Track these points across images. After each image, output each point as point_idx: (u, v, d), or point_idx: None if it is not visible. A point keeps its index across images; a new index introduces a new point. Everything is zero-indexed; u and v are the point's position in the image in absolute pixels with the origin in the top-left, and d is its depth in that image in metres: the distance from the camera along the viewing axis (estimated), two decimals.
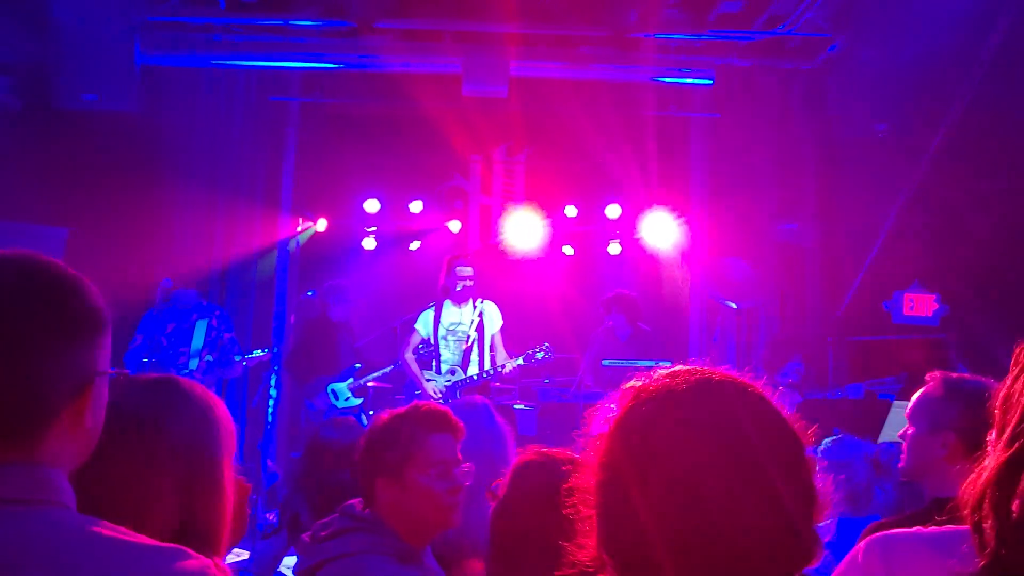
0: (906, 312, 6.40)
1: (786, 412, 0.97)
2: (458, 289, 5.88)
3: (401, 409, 2.11)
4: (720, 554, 0.87)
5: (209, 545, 1.18)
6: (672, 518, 0.88)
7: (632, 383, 0.99)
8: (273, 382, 7.02)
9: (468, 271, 5.93)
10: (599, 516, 0.95)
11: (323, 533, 1.98)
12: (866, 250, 6.56)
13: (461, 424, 2.09)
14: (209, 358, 5.76)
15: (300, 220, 7.67)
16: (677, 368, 0.99)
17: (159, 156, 6.77)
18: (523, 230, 7.55)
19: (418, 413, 2.06)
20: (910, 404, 2.07)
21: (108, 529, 0.94)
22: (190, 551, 0.97)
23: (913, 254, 6.42)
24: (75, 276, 1.03)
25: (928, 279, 6.50)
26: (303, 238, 7.73)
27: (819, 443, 3.33)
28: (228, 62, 6.98)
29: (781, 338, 6.48)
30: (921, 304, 6.42)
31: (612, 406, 0.99)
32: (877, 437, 3.81)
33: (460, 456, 2.06)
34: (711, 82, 7.06)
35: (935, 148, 5.84)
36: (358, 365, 6.53)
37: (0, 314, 0.96)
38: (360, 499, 2.03)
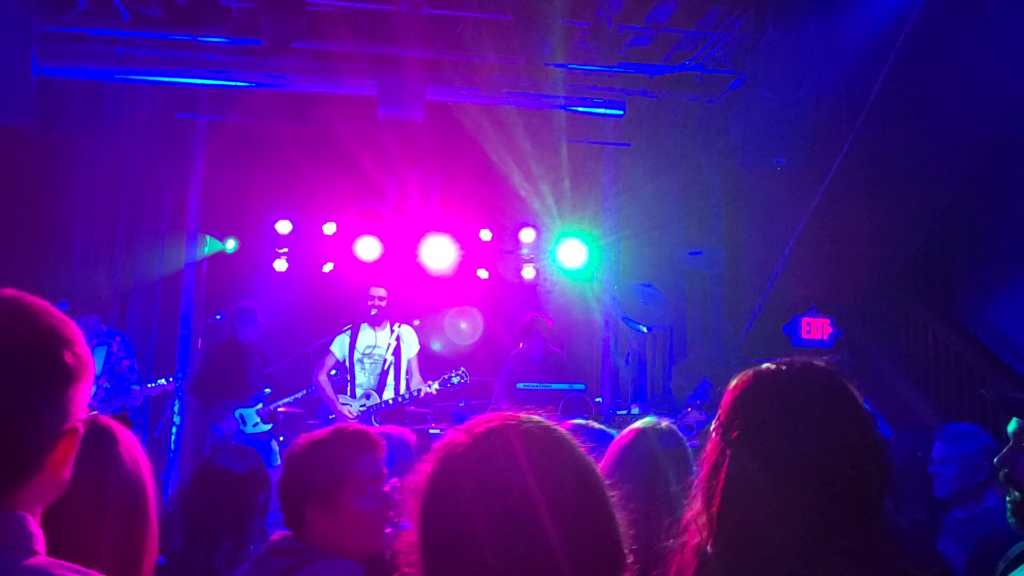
0: (804, 335, 6.75)
1: (585, 457, 1.01)
2: (372, 312, 5.83)
3: (321, 433, 2.06)
4: None
5: None
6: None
7: (442, 441, 1.03)
8: (176, 409, 6.75)
9: (381, 292, 5.90)
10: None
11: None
12: (767, 276, 6.90)
13: (382, 441, 2.07)
14: (107, 386, 5.49)
15: (208, 242, 7.43)
16: (475, 420, 1.04)
17: (57, 173, 6.44)
18: (438, 252, 7.57)
19: (342, 435, 2.02)
20: None
21: (77, 574, 0.96)
22: None
23: (810, 280, 6.79)
24: (64, 323, 1.04)
25: (824, 304, 6.88)
26: (210, 251, 7.49)
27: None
28: (132, 77, 6.73)
29: (690, 361, 6.71)
30: (817, 328, 6.79)
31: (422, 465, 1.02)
32: None
33: (386, 471, 2.04)
34: (622, 112, 7.29)
35: (828, 181, 6.22)
36: (268, 390, 6.36)
37: None
38: (281, 534, 1.96)
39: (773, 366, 1.16)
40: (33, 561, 0.96)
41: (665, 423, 2.24)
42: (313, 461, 1.97)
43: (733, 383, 1.18)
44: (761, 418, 1.13)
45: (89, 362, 1.05)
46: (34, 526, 0.98)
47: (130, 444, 1.31)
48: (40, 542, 0.98)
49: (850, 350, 7.11)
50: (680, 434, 2.22)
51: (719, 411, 1.19)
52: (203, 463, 2.80)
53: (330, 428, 2.10)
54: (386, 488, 2.02)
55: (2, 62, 5.45)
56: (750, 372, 1.18)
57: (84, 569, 0.97)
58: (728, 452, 1.13)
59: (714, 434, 1.17)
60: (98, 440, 1.27)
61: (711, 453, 1.17)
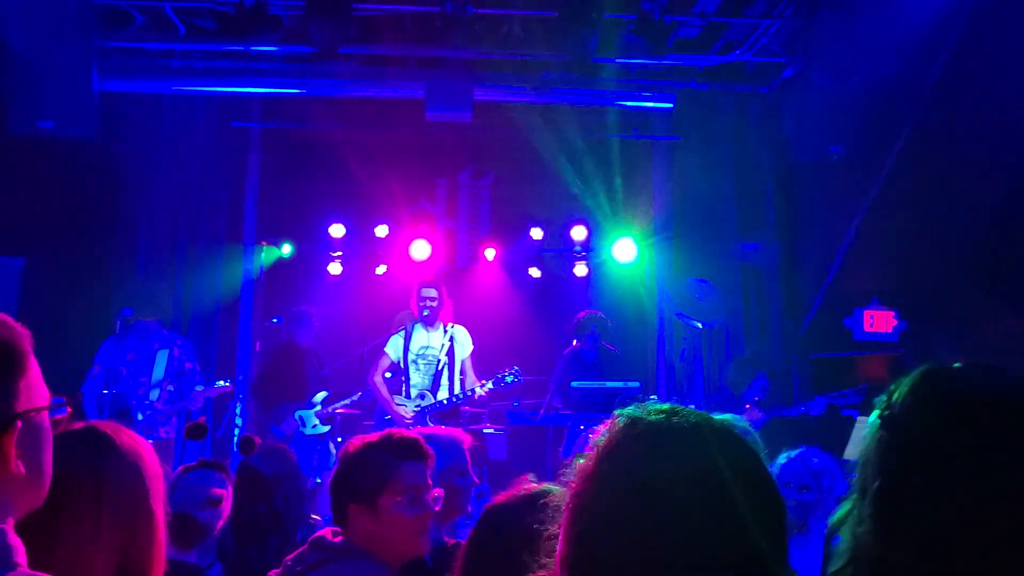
0: (866, 328, 6.54)
1: (766, 468, 0.97)
2: (424, 313, 5.87)
3: (373, 437, 2.12)
4: None
5: None
6: (647, 558, 0.88)
7: (624, 414, 0.99)
8: (238, 411, 6.91)
9: (432, 292, 5.93)
10: (570, 543, 0.94)
11: (298, 568, 1.96)
12: (826, 268, 6.71)
13: (431, 451, 2.12)
14: (170, 388, 5.65)
15: (265, 247, 7.59)
16: (675, 407, 0.99)
17: (119, 183, 6.66)
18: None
19: (390, 441, 2.08)
20: None
21: None
22: None
23: (872, 272, 6.58)
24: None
25: (887, 296, 6.66)
26: (267, 260, 7.64)
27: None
28: (188, 88, 6.92)
29: (746, 357, 6.57)
30: (881, 320, 6.57)
31: (600, 438, 0.98)
32: (842, 453, 3.88)
33: (430, 482, 2.08)
34: (671, 106, 7.19)
35: (888, 169, 6.01)
36: (325, 392, 6.46)
37: None
38: (329, 529, 2.04)
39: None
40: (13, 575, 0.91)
41: (741, 421, 2.20)
42: (360, 462, 2.04)
43: None
44: None
45: (10, 357, 0.97)
46: (11, 538, 0.94)
47: (133, 450, 1.30)
48: (20, 554, 0.94)
49: (916, 343, 6.86)
50: (754, 433, 2.17)
51: None
52: (241, 464, 2.90)
53: (382, 432, 2.16)
54: (429, 497, 2.06)
55: (65, 77, 5.66)
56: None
57: None
58: None
59: None
60: (93, 446, 1.26)
61: None
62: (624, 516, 0.90)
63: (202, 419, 5.20)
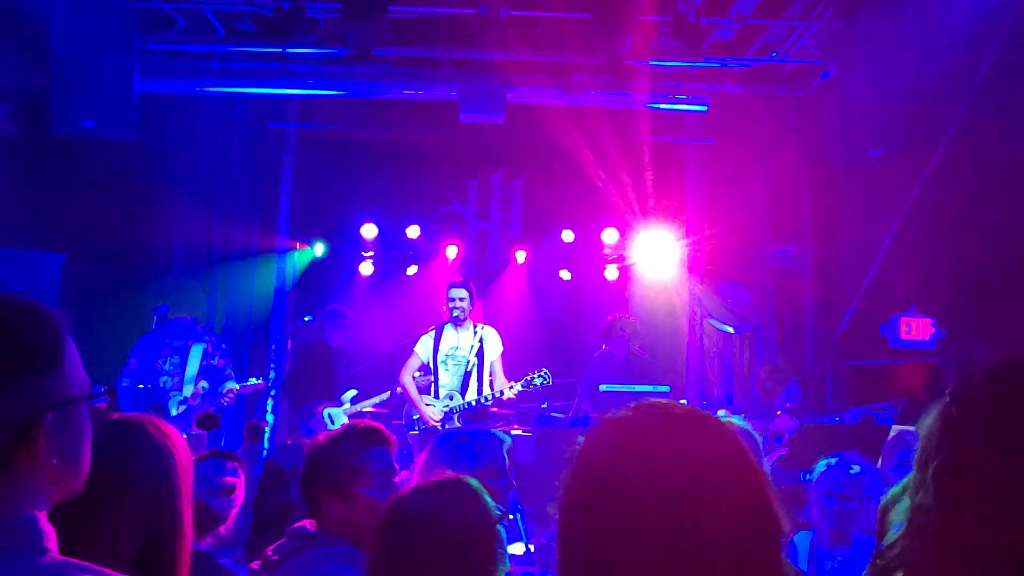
0: (903, 336, 6.40)
1: (747, 446, 0.97)
2: (455, 314, 5.88)
3: (337, 430, 2.23)
4: None
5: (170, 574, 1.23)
6: (624, 549, 0.89)
7: (600, 417, 1.01)
8: (269, 407, 6.99)
9: (462, 293, 5.93)
10: (561, 542, 0.95)
11: (275, 557, 2.04)
12: (862, 274, 6.58)
13: (394, 437, 2.23)
14: (204, 384, 5.73)
15: (299, 247, 7.68)
16: (642, 402, 1.00)
17: (157, 182, 6.78)
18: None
19: (355, 431, 2.18)
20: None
21: (89, 573, 0.93)
22: None
23: (909, 278, 6.44)
24: (12, 306, 0.99)
25: (924, 303, 6.51)
26: (300, 261, 7.72)
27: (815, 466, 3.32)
28: (226, 89, 7.02)
29: (778, 363, 6.47)
30: (918, 328, 6.43)
31: (580, 439, 1.00)
32: (878, 461, 3.80)
33: (396, 466, 2.19)
34: (706, 108, 7.12)
35: (929, 172, 5.88)
36: (355, 391, 6.50)
37: None
38: (307, 521, 2.11)
39: None
40: (46, 560, 0.94)
41: (738, 420, 2.19)
42: (328, 454, 2.13)
43: None
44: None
45: (46, 349, 0.99)
46: (43, 524, 0.96)
47: (161, 441, 1.32)
48: (52, 540, 0.96)
49: (956, 352, 6.70)
50: (754, 435, 2.14)
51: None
52: (265, 461, 2.96)
53: (345, 424, 2.28)
54: (397, 480, 2.16)
55: (108, 79, 5.78)
56: None
57: (100, 568, 0.95)
58: None
59: None
60: (120, 436, 1.29)
61: None
62: (595, 510, 0.91)
63: (211, 409, 5.30)
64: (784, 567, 0.93)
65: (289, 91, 7.12)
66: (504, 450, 2.73)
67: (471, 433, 2.51)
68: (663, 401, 0.99)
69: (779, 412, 5.52)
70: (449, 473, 1.98)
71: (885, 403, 5.60)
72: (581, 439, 0.99)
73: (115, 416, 1.38)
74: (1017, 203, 6.01)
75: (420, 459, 2.74)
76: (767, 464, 4.87)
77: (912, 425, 4.08)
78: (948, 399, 1.11)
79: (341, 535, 2.04)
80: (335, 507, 2.07)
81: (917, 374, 6.64)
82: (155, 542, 1.25)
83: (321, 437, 2.19)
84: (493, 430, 5.31)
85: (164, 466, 1.31)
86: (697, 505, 0.88)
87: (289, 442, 5.64)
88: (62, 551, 0.98)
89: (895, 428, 4.13)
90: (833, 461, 3.23)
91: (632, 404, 0.99)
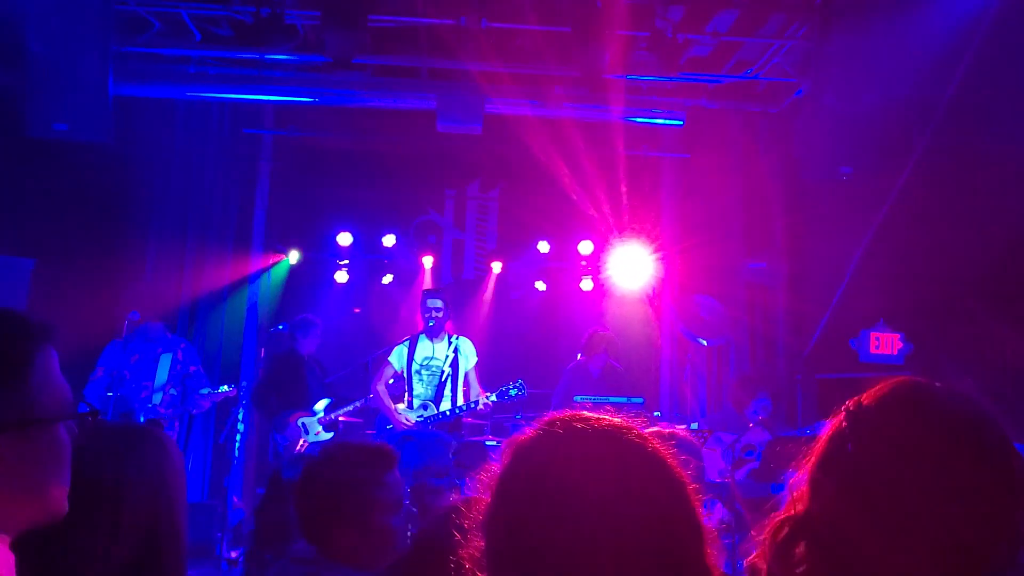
0: (872, 350, 6.51)
1: (666, 455, 0.99)
2: (430, 324, 5.88)
3: (338, 450, 2.05)
4: None
5: None
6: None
7: (515, 435, 1.03)
8: (241, 417, 6.91)
9: (438, 303, 5.93)
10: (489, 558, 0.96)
11: None
12: (833, 289, 6.69)
13: (397, 454, 2.09)
14: (173, 392, 5.65)
15: (273, 255, 7.62)
16: (554, 417, 1.02)
17: (130, 187, 6.70)
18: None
19: (366, 455, 2.00)
20: None
21: None
22: None
23: (879, 293, 6.56)
24: None
25: (893, 318, 6.63)
26: (276, 276, 7.67)
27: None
28: (203, 94, 6.98)
29: (749, 375, 6.55)
30: (886, 343, 6.55)
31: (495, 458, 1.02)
32: None
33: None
34: (681, 123, 7.21)
35: (898, 190, 6.01)
36: (328, 400, 6.46)
37: None
38: (302, 544, 1.97)
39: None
40: None
41: (680, 431, 2.19)
42: (343, 482, 1.95)
43: None
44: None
45: (27, 368, 0.93)
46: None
47: (161, 458, 1.29)
48: (5, 568, 0.90)
49: (921, 366, 6.83)
50: (694, 446, 2.14)
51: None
52: (272, 476, 2.91)
53: (351, 445, 2.08)
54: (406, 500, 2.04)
55: (82, 82, 5.71)
56: None
57: None
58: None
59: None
60: (115, 456, 1.25)
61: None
62: (515, 529, 0.93)
63: (159, 420, 5.20)
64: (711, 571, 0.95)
65: (266, 98, 7.09)
66: (449, 452, 2.73)
67: (416, 433, 2.48)
68: (574, 414, 1.01)
69: (750, 424, 5.58)
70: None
71: None
72: (494, 463, 1.01)
73: (114, 424, 1.35)
74: (982, 222, 6.16)
75: None
76: (731, 472, 4.91)
77: None
78: (846, 413, 1.15)
79: (348, 563, 1.91)
80: (349, 537, 1.91)
81: None
82: (154, 551, 1.22)
83: (322, 460, 2.01)
84: (439, 431, 5.29)
85: (161, 476, 1.28)
86: (610, 516, 0.90)
87: (298, 453, 5.57)
88: (50, 557, 0.95)
89: None
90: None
91: (541, 421, 1.01)
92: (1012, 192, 6.02)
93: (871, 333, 6.56)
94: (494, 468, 1.00)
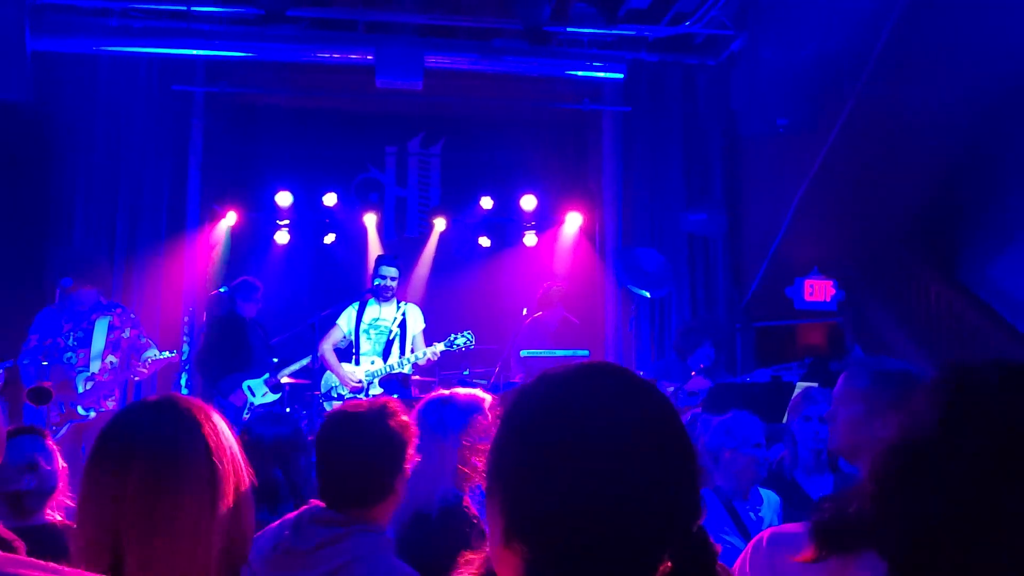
0: (807, 298, 6.75)
1: (660, 397, 0.96)
2: (382, 290, 5.86)
3: (370, 423, 1.98)
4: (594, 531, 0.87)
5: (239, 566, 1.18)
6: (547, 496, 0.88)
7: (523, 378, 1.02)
8: (183, 382, 6.79)
9: (394, 272, 5.91)
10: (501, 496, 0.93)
11: (304, 546, 1.84)
12: (770, 239, 6.88)
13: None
14: (112, 359, 5.49)
15: (210, 216, 7.41)
16: (577, 363, 0.99)
17: (54, 147, 6.41)
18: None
19: (393, 430, 1.97)
20: (840, 388, 2.11)
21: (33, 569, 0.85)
22: None
23: (813, 243, 6.77)
24: None
25: (827, 265, 6.87)
26: (215, 237, 7.47)
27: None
28: (127, 48, 6.67)
29: (692, 324, 6.72)
30: (820, 290, 6.79)
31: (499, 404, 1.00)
32: (783, 418, 4.02)
33: None
34: (622, 76, 7.22)
35: (830, 142, 6.17)
36: (275, 359, 6.40)
37: None
38: (315, 504, 1.93)
39: None
40: None
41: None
42: (379, 459, 1.92)
43: None
44: None
45: None
46: None
47: (222, 430, 1.23)
48: None
49: (853, 312, 7.12)
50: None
51: None
52: (241, 433, 2.86)
53: (375, 404, 2.04)
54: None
55: None
56: None
57: (38, 563, 0.86)
58: None
59: None
60: (189, 431, 1.19)
61: None
62: (525, 467, 0.89)
63: (47, 383, 5.00)
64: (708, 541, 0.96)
65: (195, 52, 6.82)
66: (486, 409, 2.66)
67: (453, 396, 2.46)
68: (598, 362, 0.99)
69: (693, 373, 5.74)
70: None
71: (792, 363, 5.91)
72: (510, 400, 0.97)
73: (164, 401, 1.24)
74: (910, 173, 6.40)
75: None
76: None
77: (816, 383, 4.33)
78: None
79: (380, 521, 1.91)
80: (395, 496, 1.92)
81: (819, 334, 7.03)
82: (236, 531, 1.18)
83: (349, 421, 1.95)
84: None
85: (231, 450, 1.21)
86: (635, 461, 0.88)
87: (270, 410, 5.48)
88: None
89: (800, 386, 4.38)
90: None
91: (564, 364, 0.98)
92: (938, 142, 6.26)
93: (806, 281, 6.79)
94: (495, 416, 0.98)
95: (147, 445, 1.08)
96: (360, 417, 1.96)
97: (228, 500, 1.15)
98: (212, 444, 1.16)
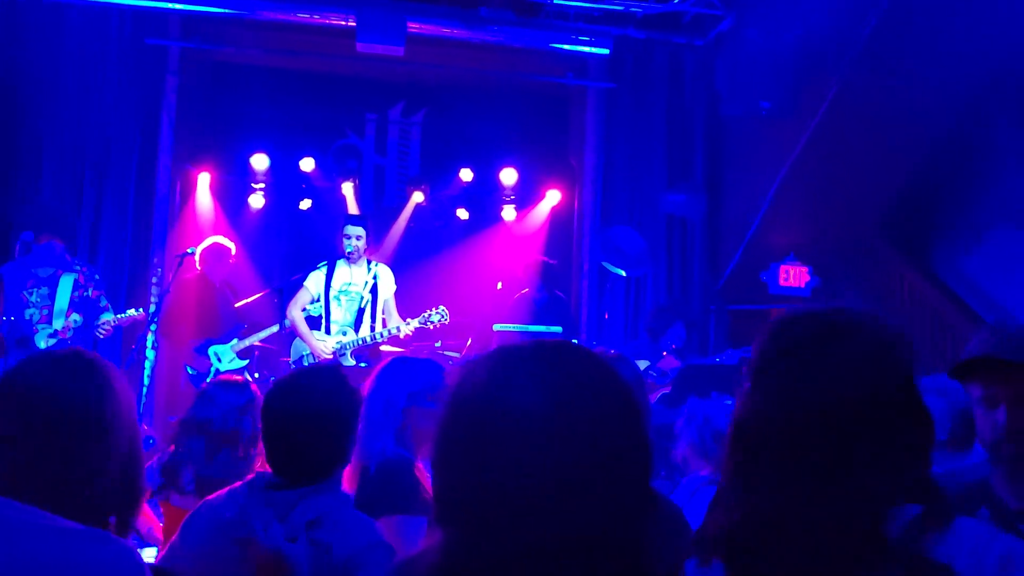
0: (781, 283, 6.75)
1: (628, 381, 0.97)
2: (348, 250, 5.74)
3: (330, 380, 2.04)
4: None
5: (137, 511, 1.33)
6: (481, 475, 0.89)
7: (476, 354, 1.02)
8: (150, 343, 6.68)
9: (359, 231, 5.78)
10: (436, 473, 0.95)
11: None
12: (748, 223, 6.87)
13: None
14: (76, 317, 5.38)
15: (181, 175, 7.25)
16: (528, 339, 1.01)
17: (18, 100, 6.22)
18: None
19: (354, 396, 2.08)
20: None
21: (24, 513, 0.99)
22: (111, 535, 1.08)
23: (790, 228, 6.77)
24: None
25: (802, 251, 6.87)
26: (185, 188, 7.31)
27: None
28: None
29: (665, 304, 6.71)
30: (795, 275, 6.80)
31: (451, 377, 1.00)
32: None
33: None
34: (608, 51, 7.13)
35: (812, 128, 6.14)
36: (244, 325, 6.30)
37: None
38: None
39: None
40: None
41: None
42: (348, 427, 2.00)
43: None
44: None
45: None
46: None
47: (120, 381, 1.35)
48: None
49: (826, 299, 7.14)
50: (640, 374, 2.17)
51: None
52: (200, 397, 2.83)
53: (330, 370, 2.07)
54: None
55: None
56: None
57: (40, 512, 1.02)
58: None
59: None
60: (86, 383, 1.29)
61: None
62: (472, 443, 0.90)
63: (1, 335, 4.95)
64: (655, 496, 0.96)
65: (169, 5, 6.62)
66: (442, 374, 2.66)
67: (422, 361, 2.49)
68: (554, 341, 0.99)
69: (664, 353, 5.74)
70: None
71: None
72: (455, 374, 0.98)
73: (65, 353, 1.36)
74: (888, 162, 6.39)
75: None
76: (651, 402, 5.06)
77: None
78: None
79: (333, 487, 1.93)
80: (338, 464, 1.96)
81: None
82: (129, 479, 1.30)
83: (306, 388, 1.96)
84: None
85: (128, 400, 1.34)
86: (575, 434, 0.87)
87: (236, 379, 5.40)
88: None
89: None
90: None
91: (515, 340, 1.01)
92: (917, 132, 6.25)
93: (781, 266, 6.79)
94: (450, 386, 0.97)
95: (42, 392, 1.21)
96: (307, 388, 1.95)
97: (121, 447, 1.27)
98: (106, 394, 1.28)
